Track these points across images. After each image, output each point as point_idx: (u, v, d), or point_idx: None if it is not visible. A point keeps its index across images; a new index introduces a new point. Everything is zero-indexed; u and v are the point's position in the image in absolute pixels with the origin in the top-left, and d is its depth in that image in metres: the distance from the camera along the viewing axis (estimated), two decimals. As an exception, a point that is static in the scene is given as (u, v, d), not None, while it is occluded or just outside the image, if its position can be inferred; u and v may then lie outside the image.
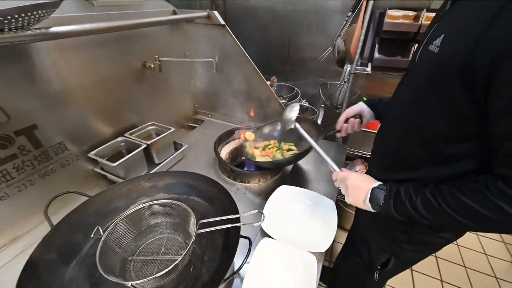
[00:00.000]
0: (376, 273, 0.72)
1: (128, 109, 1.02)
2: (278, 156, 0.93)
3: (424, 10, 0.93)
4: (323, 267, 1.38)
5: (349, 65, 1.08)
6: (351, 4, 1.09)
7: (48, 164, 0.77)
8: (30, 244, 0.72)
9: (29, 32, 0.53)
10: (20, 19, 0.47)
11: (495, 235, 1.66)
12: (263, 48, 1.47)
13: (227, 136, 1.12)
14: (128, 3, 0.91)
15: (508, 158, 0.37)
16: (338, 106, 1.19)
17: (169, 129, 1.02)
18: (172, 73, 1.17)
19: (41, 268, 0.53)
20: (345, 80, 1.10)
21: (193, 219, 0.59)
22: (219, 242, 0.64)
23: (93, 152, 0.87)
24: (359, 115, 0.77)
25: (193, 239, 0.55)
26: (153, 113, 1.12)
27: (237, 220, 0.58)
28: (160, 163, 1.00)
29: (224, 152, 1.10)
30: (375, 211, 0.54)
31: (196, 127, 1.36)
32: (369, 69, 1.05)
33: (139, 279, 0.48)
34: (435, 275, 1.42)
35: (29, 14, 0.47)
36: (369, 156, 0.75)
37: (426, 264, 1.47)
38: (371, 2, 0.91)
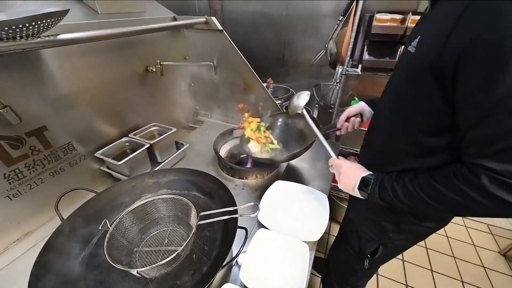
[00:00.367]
0: (366, 261, 0.77)
1: (132, 111, 1.07)
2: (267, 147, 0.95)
3: (410, 13, 0.98)
4: (319, 258, 1.45)
5: (340, 66, 1.13)
6: (343, 8, 1.14)
7: (57, 163, 0.82)
8: (42, 238, 0.77)
9: (38, 39, 0.57)
10: (31, 27, 0.51)
11: (483, 227, 1.72)
12: (260, 51, 1.52)
13: (226, 135, 1.17)
14: (131, 10, 0.96)
15: (470, 147, 0.42)
16: (331, 106, 1.25)
17: (171, 129, 1.07)
18: (173, 76, 1.22)
19: (54, 257, 0.57)
20: (337, 81, 1.16)
21: (193, 212, 0.64)
22: (219, 234, 0.68)
23: (100, 151, 0.92)
24: (359, 114, 0.79)
25: (193, 230, 0.59)
26: (156, 115, 1.17)
27: (235, 212, 0.63)
28: (163, 161, 1.05)
29: (224, 150, 1.15)
30: (363, 198, 0.59)
31: (196, 127, 1.42)
32: (359, 70, 1.11)
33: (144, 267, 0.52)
34: (426, 265, 1.48)
35: (38, 22, 0.51)
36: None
37: (417, 255, 1.53)
38: (360, 6, 0.96)
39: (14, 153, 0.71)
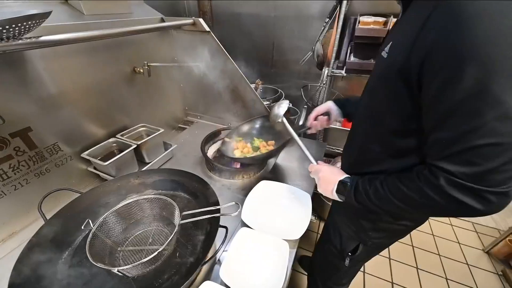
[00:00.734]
0: (347, 259, 0.79)
1: (120, 111, 1.07)
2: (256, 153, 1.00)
3: (392, 16, 1.01)
4: (307, 257, 1.47)
5: (326, 68, 1.16)
6: (329, 10, 1.16)
7: (43, 164, 0.82)
8: (27, 239, 0.75)
9: (20, 41, 0.56)
10: (11, 29, 0.51)
11: (468, 225, 1.77)
12: (249, 52, 1.54)
13: (214, 136, 1.18)
14: (117, 11, 0.96)
15: (432, 148, 0.43)
16: (319, 107, 1.27)
17: (159, 130, 1.08)
18: (162, 77, 1.23)
19: (35, 259, 0.57)
20: (324, 82, 1.18)
21: (177, 212, 0.65)
22: (202, 233, 0.70)
23: (86, 152, 0.92)
24: (327, 113, 0.82)
25: (176, 229, 0.61)
26: (144, 115, 1.17)
27: (217, 211, 0.64)
28: (150, 162, 1.06)
29: (212, 151, 1.16)
30: (341, 201, 0.61)
31: (186, 128, 1.42)
32: (343, 71, 1.13)
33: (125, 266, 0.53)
34: (411, 263, 1.51)
35: (19, 25, 0.51)
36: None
37: (403, 253, 1.57)
38: (343, 9, 0.98)
39: (-2, 154, 0.71)
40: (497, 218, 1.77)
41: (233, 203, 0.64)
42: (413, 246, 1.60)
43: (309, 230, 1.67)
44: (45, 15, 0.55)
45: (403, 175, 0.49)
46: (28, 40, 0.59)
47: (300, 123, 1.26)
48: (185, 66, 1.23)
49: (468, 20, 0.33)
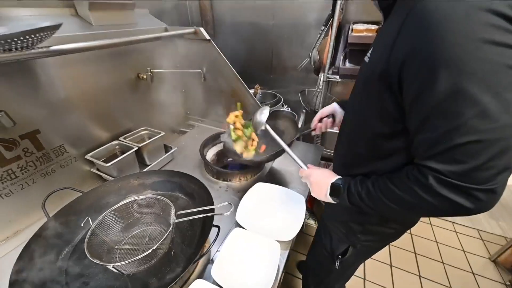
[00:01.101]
0: (337, 262, 0.79)
1: (123, 115, 1.12)
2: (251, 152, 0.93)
3: (382, 23, 1.03)
4: (304, 262, 1.45)
5: (322, 73, 1.19)
6: (325, 18, 1.20)
7: (49, 164, 0.87)
8: (30, 237, 0.80)
9: (32, 50, 0.61)
10: (25, 40, 0.56)
11: (473, 232, 1.71)
12: (250, 59, 1.60)
13: (213, 139, 1.21)
14: (123, 21, 1.02)
15: (418, 149, 0.44)
16: (316, 111, 1.29)
17: (160, 133, 1.12)
18: (165, 83, 1.28)
19: (36, 254, 0.60)
20: (320, 87, 1.21)
21: (173, 212, 0.68)
22: (197, 232, 0.72)
23: (90, 154, 0.96)
24: (332, 115, 0.82)
25: (171, 228, 0.63)
26: (147, 119, 1.22)
27: (211, 211, 0.66)
28: (151, 164, 1.09)
29: (210, 154, 1.19)
30: (336, 203, 0.61)
31: (187, 131, 1.46)
32: (338, 77, 1.16)
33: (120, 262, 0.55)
34: (414, 270, 1.47)
35: (32, 36, 0.56)
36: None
37: (405, 260, 1.53)
38: (336, 18, 1.02)
39: (8, 155, 0.75)
40: (504, 225, 1.72)
41: (226, 203, 0.65)
42: (415, 253, 1.57)
43: (308, 235, 1.67)
44: (56, 27, 0.60)
45: (394, 175, 0.49)
46: (40, 49, 0.64)
47: (299, 126, 1.28)
48: (187, 72, 1.28)
49: (436, 26, 0.35)
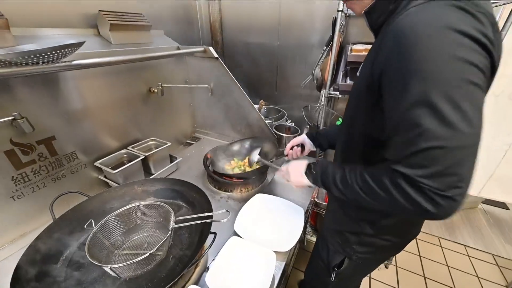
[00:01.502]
0: (333, 274, 0.77)
1: (133, 126, 1.18)
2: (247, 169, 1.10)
3: None
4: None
5: (324, 90, 1.24)
6: (326, 40, 1.28)
7: (60, 170, 0.91)
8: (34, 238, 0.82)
9: (57, 64, 0.69)
10: (52, 55, 0.63)
11: (488, 258, 1.60)
12: (256, 76, 1.69)
13: (217, 150, 1.24)
14: (139, 40, 1.12)
15: (389, 151, 0.47)
16: (318, 126, 1.33)
17: (166, 143, 1.16)
18: (175, 97, 1.35)
19: (40, 252, 0.62)
20: (322, 103, 1.25)
21: (172, 218, 0.69)
22: (195, 239, 0.72)
23: (99, 161, 1.01)
24: (301, 145, 0.92)
25: (169, 233, 0.64)
26: (156, 131, 1.28)
27: (209, 217, 0.67)
28: (156, 173, 1.13)
29: (214, 165, 1.22)
30: (314, 186, 0.64)
31: (193, 143, 1.51)
32: (338, 93, 1.21)
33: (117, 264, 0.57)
34: (423, 296, 1.39)
35: (58, 51, 0.63)
36: None
37: (413, 283, 1.44)
38: (335, 39, 1.09)
39: (24, 158, 0.80)
40: (522, 251, 1.61)
41: (223, 210, 0.67)
42: (424, 277, 1.47)
43: (309, 252, 1.61)
44: (79, 44, 0.68)
45: (372, 168, 0.51)
46: (63, 63, 0.72)
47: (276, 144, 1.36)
48: (195, 87, 1.35)
49: (410, 41, 0.39)
